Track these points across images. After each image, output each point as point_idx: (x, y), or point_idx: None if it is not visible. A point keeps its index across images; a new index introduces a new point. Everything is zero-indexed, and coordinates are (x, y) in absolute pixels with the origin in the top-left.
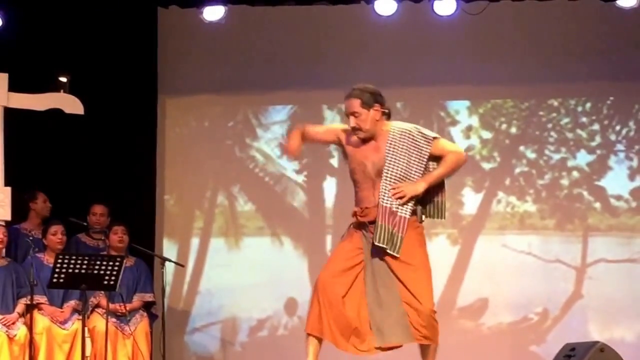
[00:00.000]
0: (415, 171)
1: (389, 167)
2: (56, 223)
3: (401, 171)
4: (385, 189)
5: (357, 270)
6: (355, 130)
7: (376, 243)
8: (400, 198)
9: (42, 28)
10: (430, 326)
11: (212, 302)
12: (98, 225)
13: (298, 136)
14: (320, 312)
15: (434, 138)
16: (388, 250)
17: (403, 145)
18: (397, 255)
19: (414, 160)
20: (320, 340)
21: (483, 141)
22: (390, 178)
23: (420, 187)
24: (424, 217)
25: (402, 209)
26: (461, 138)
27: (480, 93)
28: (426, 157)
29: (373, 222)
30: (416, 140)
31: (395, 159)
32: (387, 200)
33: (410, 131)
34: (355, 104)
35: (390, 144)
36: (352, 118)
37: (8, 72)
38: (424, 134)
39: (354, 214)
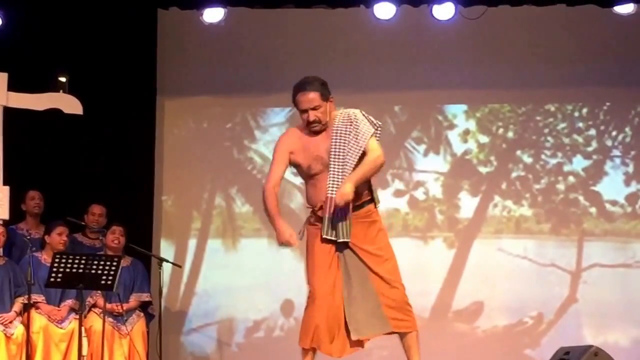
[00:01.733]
0: (353, 155)
1: (335, 152)
2: (62, 224)
3: (344, 156)
4: (332, 178)
5: (335, 269)
6: (313, 123)
7: (325, 236)
8: (341, 208)
9: (42, 28)
10: (405, 311)
11: (209, 303)
12: (96, 225)
13: (278, 220)
14: (316, 328)
15: (376, 130)
16: (340, 240)
17: (347, 128)
18: (348, 240)
19: (353, 144)
20: (314, 351)
21: (480, 145)
22: (335, 164)
23: (348, 189)
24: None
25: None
26: (458, 142)
27: (478, 97)
28: (365, 141)
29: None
30: (359, 124)
31: (340, 143)
32: (333, 190)
33: (355, 115)
34: (316, 97)
35: (337, 129)
36: (311, 112)
37: (8, 71)
38: (372, 120)
39: (320, 208)
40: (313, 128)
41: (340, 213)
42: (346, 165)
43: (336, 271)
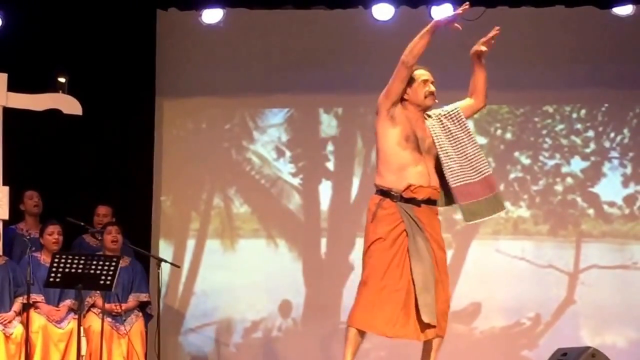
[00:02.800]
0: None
1: (447, 148)
2: (53, 223)
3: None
4: (450, 171)
5: (403, 255)
6: (432, 94)
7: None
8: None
9: (42, 28)
10: (445, 317)
11: (207, 303)
12: (100, 225)
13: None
14: (372, 307)
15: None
16: (495, 215)
17: (442, 129)
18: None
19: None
20: (362, 337)
21: None
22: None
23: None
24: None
25: (475, 173)
26: None
27: None
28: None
29: (424, 202)
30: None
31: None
32: (456, 179)
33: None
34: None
35: (432, 126)
36: (431, 85)
37: (7, 72)
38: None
39: (407, 188)
40: (430, 100)
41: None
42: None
43: (404, 259)
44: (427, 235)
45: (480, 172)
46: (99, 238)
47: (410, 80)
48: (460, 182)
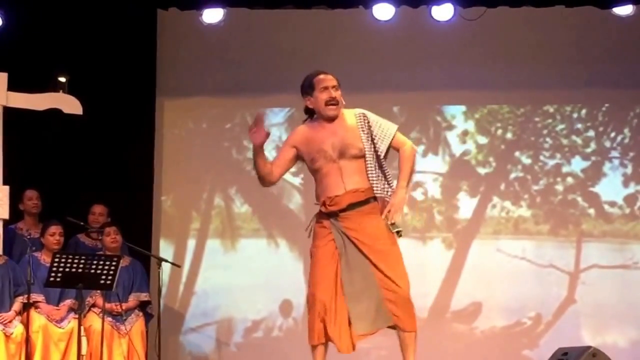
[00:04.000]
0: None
1: (368, 150)
2: (55, 223)
3: (374, 152)
4: (373, 177)
5: (335, 268)
6: (332, 101)
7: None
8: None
9: (42, 28)
10: (407, 309)
11: (208, 303)
12: (97, 224)
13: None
14: (322, 322)
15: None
16: (397, 231)
17: (367, 125)
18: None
19: (379, 139)
20: (326, 347)
21: (479, 146)
22: (370, 161)
23: (402, 195)
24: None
25: (384, 192)
26: (457, 143)
27: (477, 98)
28: (391, 135)
29: (344, 210)
30: (379, 120)
31: (369, 140)
32: (380, 190)
33: (368, 114)
34: (335, 80)
35: (360, 127)
36: (332, 90)
37: (8, 71)
38: (387, 123)
39: (323, 204)
40: (330, 107)
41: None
42: (380, 161)
43: (337, 270)
44: (357, 242)
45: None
46: (99, 238)
47: (310, 90)
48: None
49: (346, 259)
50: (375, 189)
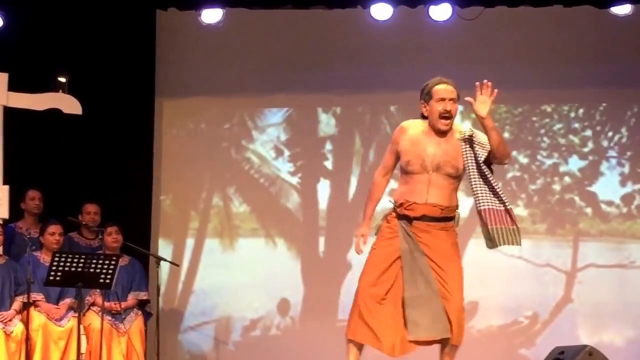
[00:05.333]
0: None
1: (471, 165)
2: (54, 223)
3: (479, 167)
4: (479, 190)
5: (394, 271)
6: (447, 114)
7: (501, 245)
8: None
9: (42, 28)
10: (461, 323)
11: (206, 302)
12: (93, 224)
13: (366, 220)
14: (360, 318)
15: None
16: (513, 245)
17: (471, 145)
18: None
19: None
20: (360, 347)
21: None
22: (474, 176)
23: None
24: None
25: (497, 203)
26: None
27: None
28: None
29: (418, 219)
30: (476, 142)
31: (471, 156)
32: (486, 202)
33: (473, 133)
34: (455, 92)
35: (464, 146)
36: (450, 103)
37: (8, 72)
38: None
39: (400, 205)
40: (444, 120)
41: (500, 220)
42: (484, 175)
43: (396, 273)
44: (425, 249)
45: (503, 203)
46: (94, 237)
47: (428, 97)
48: (487, 205)
49: (411, 262)
50: (479, 200)
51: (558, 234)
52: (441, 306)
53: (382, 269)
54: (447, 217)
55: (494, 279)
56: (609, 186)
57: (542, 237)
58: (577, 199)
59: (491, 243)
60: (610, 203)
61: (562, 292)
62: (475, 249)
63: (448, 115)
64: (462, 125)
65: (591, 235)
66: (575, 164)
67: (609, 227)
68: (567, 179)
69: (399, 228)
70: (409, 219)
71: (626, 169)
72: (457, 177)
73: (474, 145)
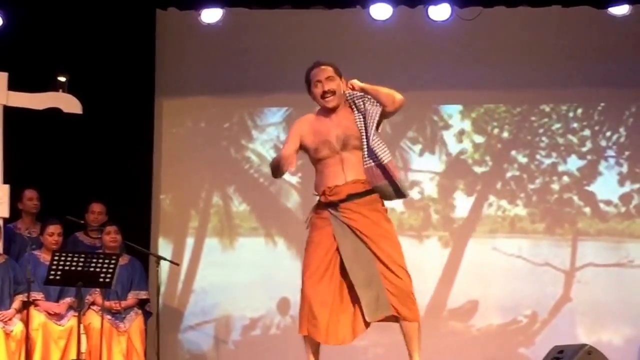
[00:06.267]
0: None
1: (365, 133)
2: (54, 223)
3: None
4: (366, 154)
5: (335, 258)
6: (327, 93)
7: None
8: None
9: (42, 28)
10: (408, 301)
11: (206, 301)
12: (96, 223)
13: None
14: (308, 314)
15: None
16: (406, 192)
17: (362, 108)
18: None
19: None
20: (317, 343)
21: (475, 145)
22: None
23: (358, 81)
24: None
25: (383, 156)
26: (454, 142)
27: (473, 97)
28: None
29: (343, 200)
30: (370, 101)
31: (363, 124)
32: (368, 161)
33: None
34: (329, 70)
35: (356, 111)
36: (325, 82)
37: (8, 71)
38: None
39: (323, 194)
40: (327, 99)
41: (390, 171)
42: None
43: (336, 262)
44: (358, 232)
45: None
46: (97, 236)
47: (308, 84)
48: (382, 160)
49: (348, 248)
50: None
51: (557, 234)
52: (382, 287)
53: (321, 261)
54: (370, 189)
55: (493, 278)
56: (607, 186)
57: (541, 236)
58: (575, 198)
59: (396, 195)
60: (608, 202)
61: (561, 291)
62: (474, 248)
63: (329, 94)
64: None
65: (590, 235)
66: (573, 163)
67: (608, 226)
68: (565, 178)
69: (329, 215)
70: (335, 205)
71: (624, 169)
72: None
73: (366, 103)
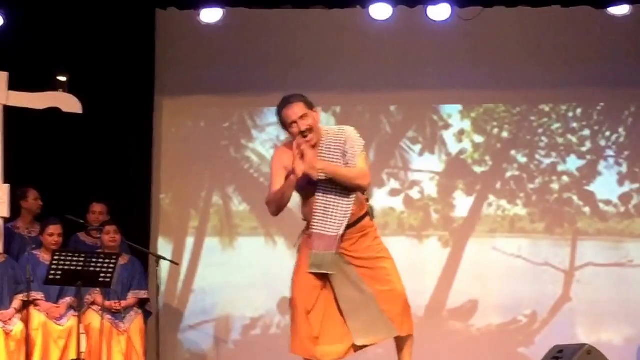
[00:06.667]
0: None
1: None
2: (55, 223)
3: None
4: (318, 212)
5: (326, 285)
6: (306, 132)
7: (309, 271)
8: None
9: (42, 28)
10: (406, 313)
11: (206, 301)
12: (97, 223)
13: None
14: (302, 336)
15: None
16: (323, 272)
17: (336, 145)
18: (333, 273)
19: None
20: None
21: (475, 145)
22: (322, 183)
23: (321, 165)
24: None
25: (331, 227)
26: (453, 141)
27: (473, 97)
28: (353, 158)
29: None
30: (351, 141)
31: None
32: (319, 227)
33: (344, 131)
34: (301, 106)
35: (323, 146)
36: (300, 122)
37: (8, 71)
38: (357, 135)
39: (308, 227)
40: (306, 137)
41: (326, 246)
42: (333, 199)
43: (324, 286)
44: (351, 260)
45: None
46: (97, 236)
47: (283, 124)
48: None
49: (339, 273)
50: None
51: (556, 233)
52: (379, 309)
53: (311, 288)
54: (361, 217)
55: (493, 278)
56: (607, 185)
57: (541, 236)
58: (575, 198)
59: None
60: (608, 202)
61: (560, 291)
62: (474, 248)
63: (307, 133)
64: (334, 129)
65: (589, 234)
66: (573, 163)
67: (607, 226)
68: (565, 178)
69: None
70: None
71: (624, 169)
72: None
73: (346, 153)
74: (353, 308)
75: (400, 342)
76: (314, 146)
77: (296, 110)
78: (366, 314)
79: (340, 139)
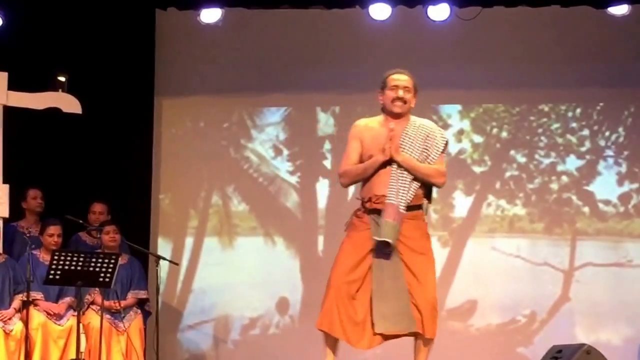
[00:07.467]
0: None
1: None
2: (54, 223)
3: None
4: (392, 186)
5: (367, 263)
6: (399, 100)
7: (380, 239)
8: (397, 211)
9: (42, 28)
10: (432, 316)
11: (205, 301)
12: (97, 223)
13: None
14: (332, 309)
15: (446, 144)
16: (390, 241)
17: (418, 140)
18: (392, 241)
19: (421, 158)
20: (335, 339)
21: (474, 145)
22: (397, 172)
23: (402, 156)
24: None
25: (402, 200)
26: (453, 141)
27: (472, 97)
28: (434, 158)
29: None
30: (434, 140)
31: (407, 152)
32: (393, 197)
33: (429, 127)
34: (411, 82)
35: (408, 135)
36: (401, 89)
37: (7, 71)
38: (442, 135)
39: (369, 200)
40: (396, 106)
41: (395, 217)
42: (407, 176)
43: (368, 267)
44: (396, 244)
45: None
46: (97, 236)
47: (383, 86)
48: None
49: (380, 256)
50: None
51: (555, 233)
52: (408, 302)
53: (354, 263)
54: (415, 205)
55: (492, 277)
56: (606, 185)
57: (540, 236)
58: (574, 198)
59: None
60: (607, 202)
61: (559, 290)
62: (473, 247)
63: (399, 102)
64: (423, 121)
65: (588, 234)
66: (572, 163)
67: (606, 226)
68: (564, 178)
69: (370, 220)
70: (379, 213)
71: (623, 168)
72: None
73: (428, 151)
74: (385, 291)
75: (419, 345)
76: (399, 116)
77: (405, 79)
78: (395, 302)
79: (422, 133)
